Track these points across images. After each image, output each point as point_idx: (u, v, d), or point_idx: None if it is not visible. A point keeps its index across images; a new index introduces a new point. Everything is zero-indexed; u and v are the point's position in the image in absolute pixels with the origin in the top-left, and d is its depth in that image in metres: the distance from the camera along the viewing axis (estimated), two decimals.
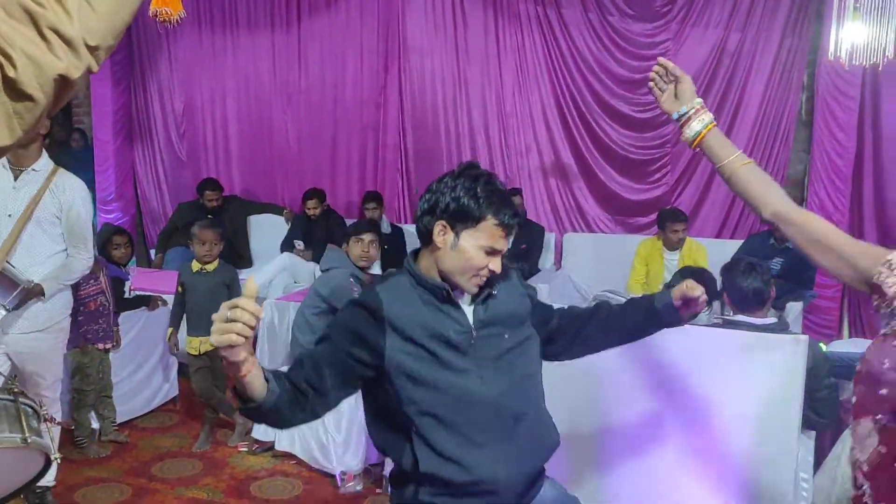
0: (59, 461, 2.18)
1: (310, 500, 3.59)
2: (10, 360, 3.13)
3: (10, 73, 0.82)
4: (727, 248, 4.97)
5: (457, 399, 1.72)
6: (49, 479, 3.34)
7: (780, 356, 2.79)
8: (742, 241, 5.25)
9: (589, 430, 3.05)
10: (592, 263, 5.76)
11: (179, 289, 4.15)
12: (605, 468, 3.11)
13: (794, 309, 4.61)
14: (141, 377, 4.55)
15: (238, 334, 1.39)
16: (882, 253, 1.47)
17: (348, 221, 5.98)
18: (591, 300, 3.41)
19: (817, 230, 1.53)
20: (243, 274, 6.00)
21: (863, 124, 5.14)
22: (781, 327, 3.07)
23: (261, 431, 4.00)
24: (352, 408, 3.72)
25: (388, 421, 1.80)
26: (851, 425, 1.39)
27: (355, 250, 3.90)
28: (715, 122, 1.76)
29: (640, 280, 5.20)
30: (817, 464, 3.31)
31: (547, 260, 5.95)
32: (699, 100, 1.77)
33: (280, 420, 1.68)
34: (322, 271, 3.98)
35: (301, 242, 6.17)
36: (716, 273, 3.51)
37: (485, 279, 1.78)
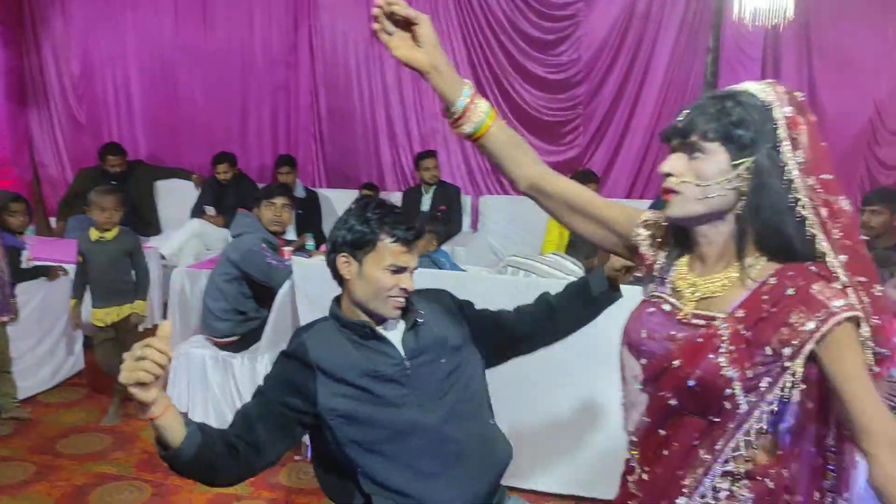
0: None
1: None
2: None
3: None
4: (638, 208, 5.07)
5: (399, 432, 1.72)
6: None
7: None
8: (651, 201, 5.39)
9: (529, 416, 3.08)
10: (508, 226, 5.81)
11: (80, 258, 3.97)
12: (550, 452, 3.16)
13: None
14: (43, 351, 4.35)
15: (146, 371, 1.33)
16: (637, 213, 1.45)
17: (261, 186, 5.83)
18: (501, 265, 3.44)
19: (575, 198, 1.45)
20: (152, 241, 5.80)
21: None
22: None
23: (174, 401, 3.88)
24: None
25: (334, 467, 1.80)
26: (622, 392, 1.40)
27: (267, 215, 3.81)
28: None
29: (555, 242, 5.27)
30: None
31: (464, 223, 5.97)
32: (468, 81, 1.47)
33: (208, 474, 1.61)
34: (233, 237, 3.87)
35: (212, 208, 5.98)
36: None
37: (402, 300, 1.78)
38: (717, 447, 1.24)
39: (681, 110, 1.31)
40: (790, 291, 1.20)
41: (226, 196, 6.02)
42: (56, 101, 6.93)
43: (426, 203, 5.74)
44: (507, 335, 1.95)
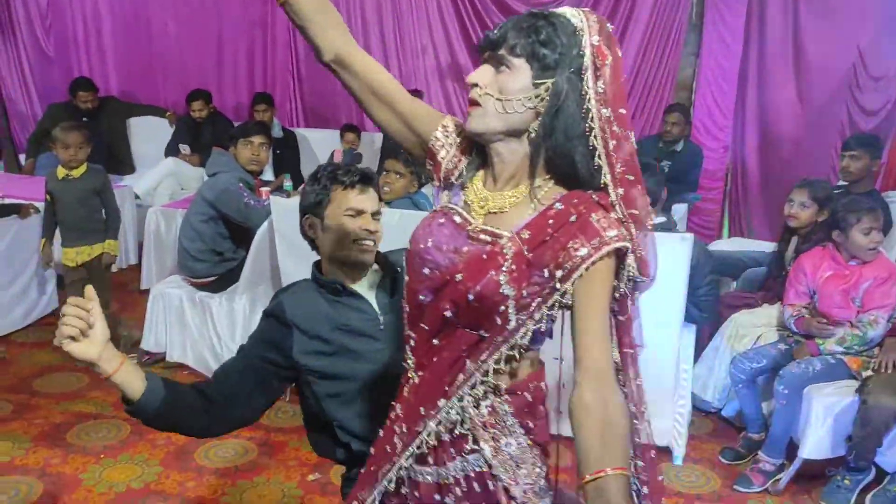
0: None
1: None
2: None
3: None
4: None
5: (373, 386, 1.73)
6: None
7: (667, 254, 2.87)
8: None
9: None
10: None
11: (48, 197, 3.87)
12: None
13: (679, 210, 4.79)
14: (16, 290, 4.29)
15: (68, 325, 1.32)
16: (441, 118, 1.41)
17: (237, 124, 5.71)
18: None
19: (381, 83, 1.38)
20: (126, 180, 5.69)
21: (750, 28, 5.26)
22: (669, 226, 3.18)
23: (151, 343, 3.87)
24: (246, 316, 3.65)
25: (316, 423, 1.84)
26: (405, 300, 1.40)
27: (244, 154, 3.73)
28: None
29: None
30: (697, 356, 3.52)
31: None
32: None
33: (180, 426, 1.60)
34: (209, 176, 3.80)
35: (186, 147, 5.86)
36: None
37: (370, 242, 1.81)
38: (481, 358, 1.28)
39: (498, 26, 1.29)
40: (572, 219, 1.22)
41: (201, 134, 5.89)
42: (23, 32, 6.69)
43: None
44: None
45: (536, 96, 1.24)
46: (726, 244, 4.79)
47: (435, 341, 1.32)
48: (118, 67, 6.68)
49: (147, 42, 6.53)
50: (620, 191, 1.25)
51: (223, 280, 3.74)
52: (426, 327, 1.33)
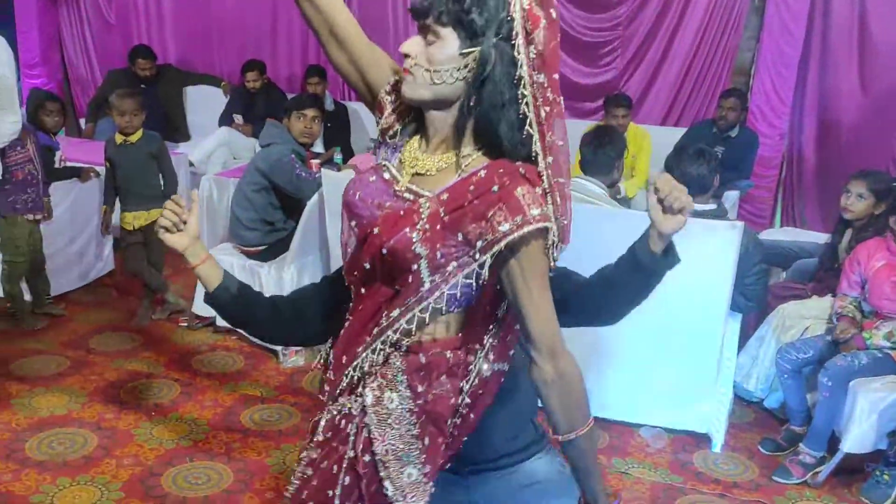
0: None
1: (252, 373, 3.63)
2: None
3: None
4: (671, 136, 4.99)
5: None
6: None
7: (716, 241, 2.87)
8: (686, 129, 5.28)
9: None
10: None
11: (107, 164, 3.99)
12: None
13: (731, 197, 4.71)
14: (75, 250, 4.44)
15: (164, 217, 1.52)
16: (391, 72, 1.39)
17: (290, 96, 5.77)
18: None
19: (342, 24, 1.38)
20: (181, 148, 5.81)
21: (814, 13, 5.11)
22: (719, 214, 3.14)
23: (200, 307, 3.98)
24: (294, 284, 3.72)
25: None
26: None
27: (297, 126, 3.79)
28: None
29: None
30: (742, 345, 3.49)
31: None
32: None
33: (249, 318, 1.66)
34: (262, 147, 3.87)
35: (240, 116, 5.95)
36: (660, 159, 3.54)
37: None
38: (393, 314, 1.30)
39: None
40: (495, 188, 1.21)
41: (254, 105, 5.97)
42: (86, 0, 6.83)
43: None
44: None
45: (465, 66, 1.23)
46: (778, 233, 4.71)
47: (362, 290, 1.37)
48: (176, 36, 6.78)
49: (205, 12, 6.61)
50: (550, 159, 1.24)
51: (273, 249, 3.82)
52: (355, 275, 1.38)
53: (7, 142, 3.16)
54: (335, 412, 1.36)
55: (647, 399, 3.22)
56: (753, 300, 3.19)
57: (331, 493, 1.35)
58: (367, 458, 1.33)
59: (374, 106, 1.42)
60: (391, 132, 1.39)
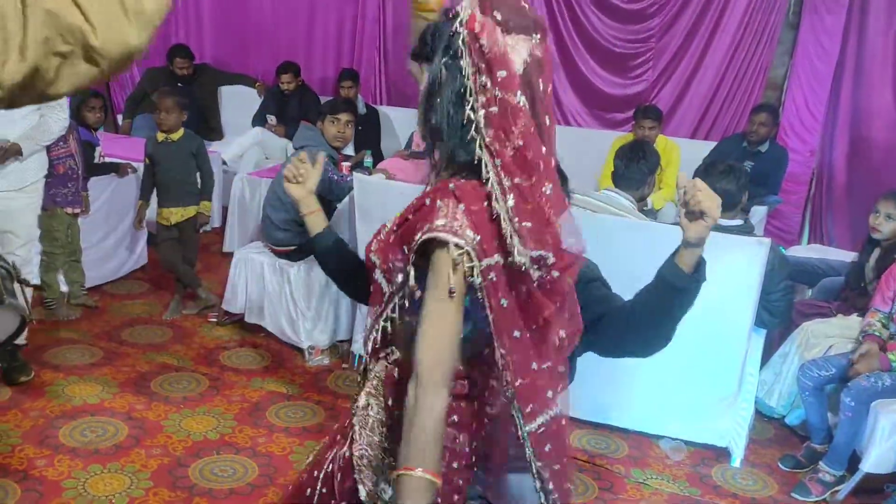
0: (33, 322, 2.25)
1: (278, 371, 3.71)
2: None
3: (93, 41, 0.85)
4: (701, 149, 5.00)
5: None
6: (20, 339, 3.39)
7: (742, 257, 2.89)
8: (715, 143, 5.28)
9: None
10: (567, 156, 5.70)
11: (147, 160, 4.10)
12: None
13: (759, 213, 4.71)
14: (110, 244, 4.55)
15: (289, 170, 1.85)
16: None
17: (323, 98, 5.86)
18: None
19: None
20: (214, 146, 5.91)
21: (849, 30, 5.09)
22: (746, 229, 3.16)
23: (232, 303, 4.05)
24: (322, 286, 3.79)
25: None
26: None
27: (331, 130, 3.85)
28: None
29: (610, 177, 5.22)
30: (765, 361, 3.50)
31: None
32: None
33: (339, 270, 1.87)
34: (295, 148, 3.93)
35: (273, 117, 6.05)
36: (689, 172, 3.55)
37: None
38: (373, 315, 1.40)
39: None
40: (427, 201, 1.27)
41: (288, 106, 6.07)
42: None
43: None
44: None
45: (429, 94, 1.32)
46: (805, 250, 4.69)
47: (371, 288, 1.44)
48: (214, 36, 6.91)
49: (243, 13, 6.73)
50: (498, 161, 1.22)
51: (303, 249, 3.88)
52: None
53: (55, 138, 3.27)
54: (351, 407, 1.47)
55: (668, 411, 3.24)
56: (778, 316, 3.20)
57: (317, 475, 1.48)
58: (346, 453, 1.41)
59: None
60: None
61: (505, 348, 1.25)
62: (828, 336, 3.36)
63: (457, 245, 1.20)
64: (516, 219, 1.22)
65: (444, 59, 1.26)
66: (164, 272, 4.43)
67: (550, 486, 1.35)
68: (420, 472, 1.18)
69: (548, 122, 1.28)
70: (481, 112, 1.22)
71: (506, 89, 1.21)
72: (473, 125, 1.23)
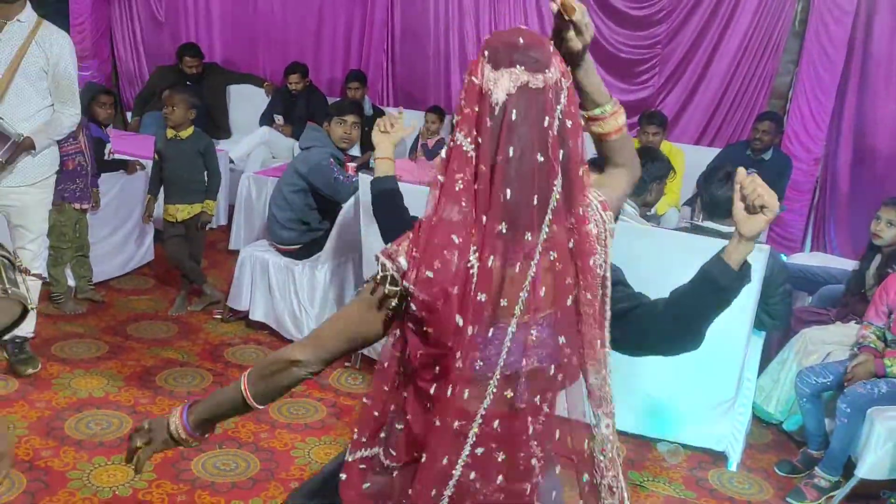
0: (34, 310, 2.33)
1: None
2: None
3: None
4: (705, 156, 5.03)
5: None
6: (28, 331, 3.45)
7: None
8: (720, 149, 5.31)
9: None
10: None
11: (156, 157, 4.15)
12: None
13: None
14: (117, 240, 4.60)
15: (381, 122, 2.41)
16: None
17: (330, 99, 5.90)
18: None
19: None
20: (221, 145, 5.96)
21: (854, 40, 5.11)
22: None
23: (236, 300, 4.10)
24: (326, 283, 3.84)
25: None
26: None
27: (338, 131, 3.89)
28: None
29: None
30: (763, 367, 3.53)
31: None
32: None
33: (388, 214, 2.25)
34: (302, 149, 3.98)
35: (281, 117, 6.10)
36: (693, 178, 3.58)
37: None
38: None
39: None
40: None
41: (295, 106, 6.12)
42: None
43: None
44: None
45: None
46: (807, 258, 4.72)
47: None
48: (223, 36, 6.96)
49: (252, 13, 6.78)
50: (436, 191, 1.25)
51: (307, 249, 3.93)
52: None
53: (67, 133, 3.32)
54: None
55: (665, 415, 3.27)
56: (778, 319, 3.23)
57: None
58: None
59: None
60: None
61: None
62: (826, 343, 3.39)
63: (383, 266, 1.28)
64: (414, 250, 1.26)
65: None
66: (170, 268, 4.48)
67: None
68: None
69: (537, 157, 1.22)
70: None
71: (457, 127, 1.25)
72: None
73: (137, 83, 7.08)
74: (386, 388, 1.37)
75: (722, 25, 5.52)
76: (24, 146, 3.11)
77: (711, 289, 1.44)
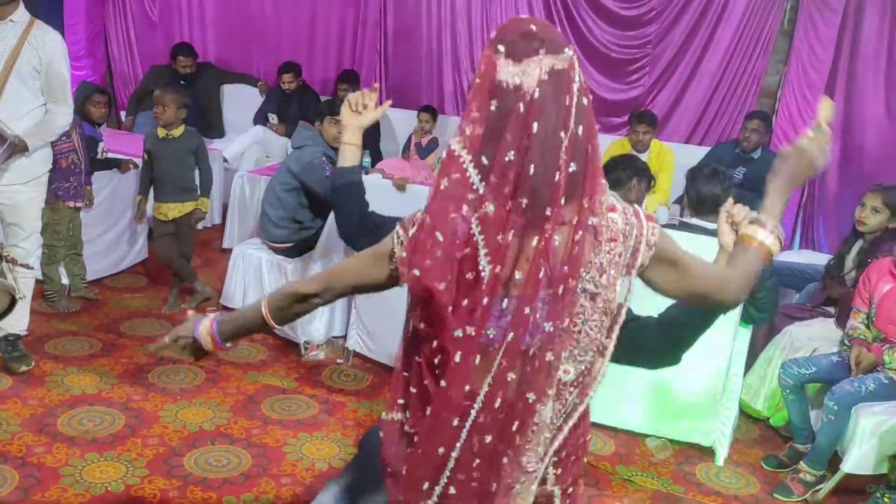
0: (22, 299, 2.43)
1: (274, 365, 3.77)
2: None
3: None
4: (695, 154, 5.07)
5: None
6: (21, 328, 3.47)
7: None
8: (709, 148, 5.35)
9: None
10: None
11: (145, 156, 4.17)
12: None
13: None
14: (111, 238, 4.62)
15: (353, 100, 2.16)
16: None
17: (323, 99, 5.93)
18: None
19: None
20: (215, 144, 5.99)
21: (842, 39, 5.16)
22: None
23: (229, 298, 4.12)
24: None
25: None
26: None
27: (331, 131, 3.91)
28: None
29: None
30: (750, 364, 3.56)
31: None
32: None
33: (343, 203, 2.15)
34: (294, 148, 4.01)
35: (275, 116, 6.12)
36: (682, 176, 3.62)
37: None
38: None
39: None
40: None
41: (289, 106, 6.14)
42: None
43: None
44: None
45: None
46: (795, 255, 4.76)
47: None
48: (216, 35, 6.97)
49: (245, 13, 6.80)
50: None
51: (300, 247, 3.95)
52: None
53: (60, 133, 3.34)
54: None
55: (654, 410, 3.30)
56: (765, 312, 3.26)
57: None
58: None
59: None
60: None
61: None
62: (812, 340, 3.43)
63: (398, 233, 1.38)
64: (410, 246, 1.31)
65: None
66: (163, 267, 4.50)
67: None
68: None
69: (563, 135, 1.24)
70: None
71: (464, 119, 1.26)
72: None
73: (131, 83, 7.09)
74: (408, 353, 1.40)
75: (712, 25, 5.56)
76: (19, 148, 3.13)
77: (703, 314, 1.60)
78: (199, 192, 4.21)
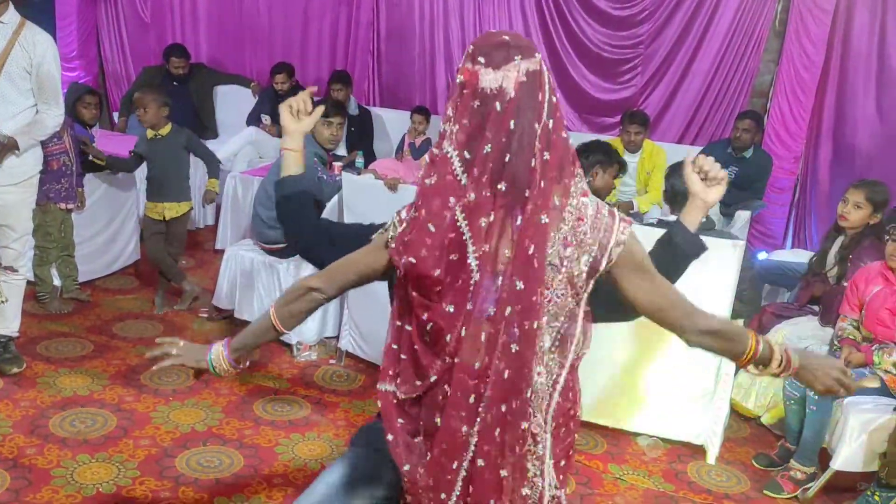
0: (5, 303, 2.37)
1: (266, 366, 3.77)
2: None
3: None
4: (687, 154, 5.07)
5: None
6: (13, 330, 3.47)
7: (716, 258, 2.95)
8: (702, 147, 5.36)
9: None
10: None
11: (131, 154, 4.23)
12: None
13: (743, 217, 4.79)
14: (103, 239, 4.62)
15: (289, 105, 1.98)
16: None
17: (316, 99, 5.91)
18: None
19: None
20: (208, 145, 5.96)
21: (833, 39, 5.18)
22: (708, 226, 3.22)
23: (222, 299, 4.12)
24: None
25: None
26: None
27: (324, 133, 3.92)
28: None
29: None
30: None
31: None
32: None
33: (288, 218, 2.02)
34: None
35: (268, 117, 6.11)
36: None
37: None
38: None
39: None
40: None
41: None
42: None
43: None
44: None
45: None
46: (787, 254, 4.77)
47: None
48: (209, 36, 6.96)
49: (238, 14, 6.79)
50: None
51: (292, 247, 3.95)
52: None
53: (50, 133, 3.35)
54: None
55: (645, 409, 3.31)
56: (749, 304, 3.29)
57: None
58: None
59: None
60: None
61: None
62: (801, 338, 3.44)
63: (394, 223, 1.51)
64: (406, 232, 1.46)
65: None
66: (154, 266, 4.49)
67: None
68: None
69: (540, 126, 1.38)
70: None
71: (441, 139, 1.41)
72: None
73: (124, 84, 7.07)
74: (398, 324, 1.52)
75: (704, 25, 5.58)
76: (9, 146, 3.13)
77: (672, 253, 1.79)
78: (201, 184, 4.21)
